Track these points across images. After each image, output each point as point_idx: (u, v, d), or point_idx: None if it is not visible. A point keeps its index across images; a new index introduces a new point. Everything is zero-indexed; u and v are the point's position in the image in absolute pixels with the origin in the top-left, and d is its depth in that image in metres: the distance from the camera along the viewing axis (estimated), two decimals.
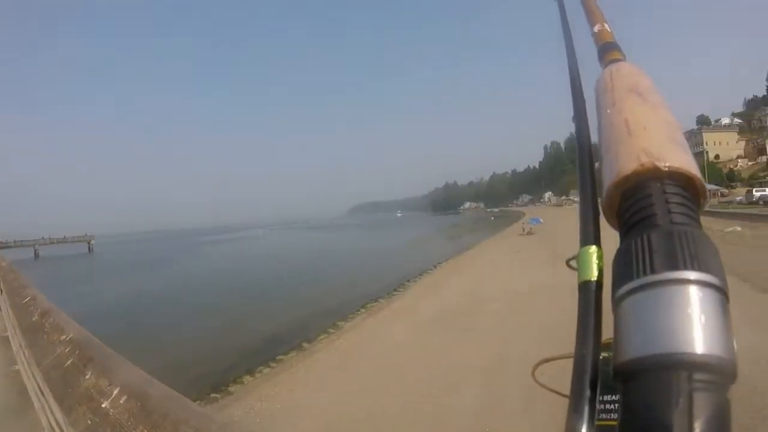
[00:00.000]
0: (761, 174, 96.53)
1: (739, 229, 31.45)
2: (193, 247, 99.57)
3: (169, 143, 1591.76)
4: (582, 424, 0.47)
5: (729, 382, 0.40)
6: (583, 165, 0.74)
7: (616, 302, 0.47)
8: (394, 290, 26.92)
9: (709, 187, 58.77)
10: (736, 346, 0.42)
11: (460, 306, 18.30)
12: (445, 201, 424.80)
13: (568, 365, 0.55)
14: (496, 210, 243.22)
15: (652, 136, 0.59)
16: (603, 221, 0.64)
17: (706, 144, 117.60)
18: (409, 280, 29.99)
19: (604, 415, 0.56)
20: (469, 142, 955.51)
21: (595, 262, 0.58)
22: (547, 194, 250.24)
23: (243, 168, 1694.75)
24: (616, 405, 0.47)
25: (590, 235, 0.63)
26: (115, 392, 2.25)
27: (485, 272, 27.09)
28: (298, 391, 11.75)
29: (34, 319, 4.87)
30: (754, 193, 66.55)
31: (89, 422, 2.25)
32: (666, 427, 0.37)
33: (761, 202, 61.56)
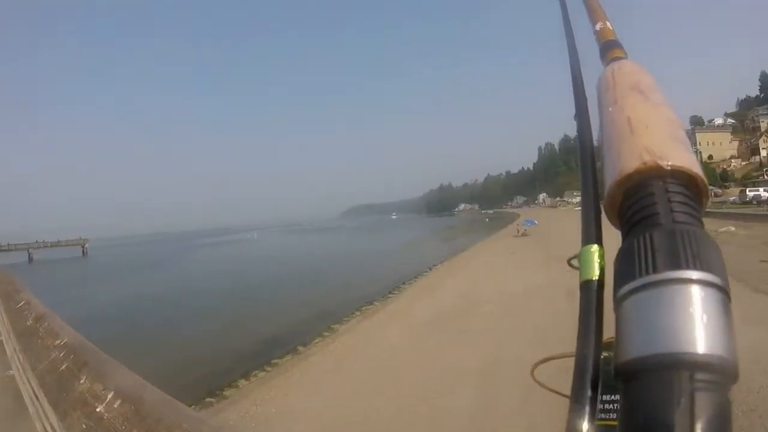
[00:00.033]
0: (754, 174, 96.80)
1: (732, 229, 31.54)
2: (187, 251, 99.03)
3: (166, 145, 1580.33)
4: (583, 424, 0.47)
5: (730, 382, 0.40)
6: (585, 163, 0.75)
7: (618, 301, 0.48)
8: (389, 293, 26.78)
9: None
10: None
11: (455, 308, 18.29)
12: (440, 203, 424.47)
13: (566, 365, 0.57)
14: (491, 211, 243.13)
15: (655, 135, 0.60)
16: (604, 220, 0.64)
17: (700, 144, 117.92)
18: (404, 283, 29.89)
19: (604, 415, 0.57)
20: (464, 143, 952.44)
21: (596, 261, 0.59)
22: (542, 195, 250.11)
23: (238, 169, 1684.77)
24: (617, 405, 0.47)
25: (592, 234, 0.63)
26: (110, 396, 2.26)
27: (480, 274, 27.10)
28: (294, 394, 11.73)
29: (28, 323, 4.87)
30: (747, 192, 66.87)
31: (84, 426, 2.26)
32: (667, 426, 0.37)
33: (755, 202, 61.73)
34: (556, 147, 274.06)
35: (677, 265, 0.44)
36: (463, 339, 13.73)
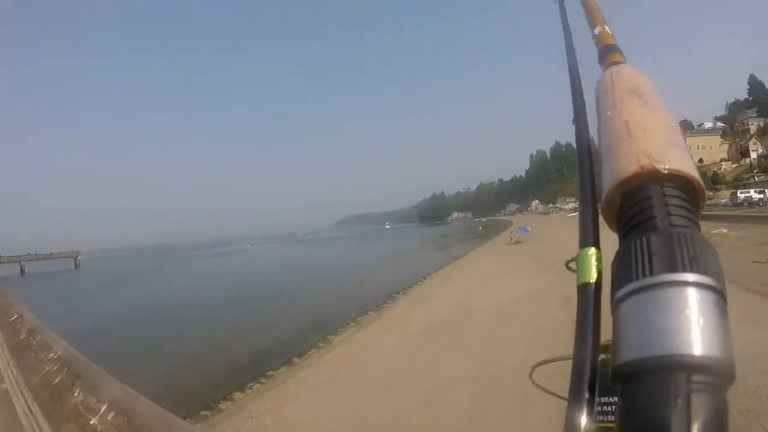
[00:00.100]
0: (745, 176, 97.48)
1: (725, 230, 31.70)
2: (180, 263, 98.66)
3: (158, 158, 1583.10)
4: (581, 426, 0.47)
5: (727, 384, 0.40)
6: (583, 167, 0.75)
7: (615, 304, 0.48)
8: (384, 302, 26.75)
9: None
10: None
11: (450, 316, 18.27)
12: (433, 212, 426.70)
13: (564, 367, 0.57)
14: (484, 219, 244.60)
15: (653, 139, 0.60)
16: (602, 223, 0.65)
17: (690, 148, 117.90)
18: (398, 292, 29.83)
19: (602, 417, 0.57)
20: (456, 152, 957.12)
21: (594, 263, 0.59)
22: (534, 202, 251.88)
23: (231, 181, 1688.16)
24: (615, 407, 0.47)
25: (589, 237, 0.64)
26: (103, 409, 2.26)
27: (474, 282, 27.05)
28: (289, 406, 11.67)
29: (21, 337, 4.84)
30: (738, 195, 67.59)
31: None
32: (664, 428, 0.37)
33: (746, 204, 62.43)
34: (548, 154, 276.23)
35: (674, 268, 0.45)
36: (458, 347, 13.73)
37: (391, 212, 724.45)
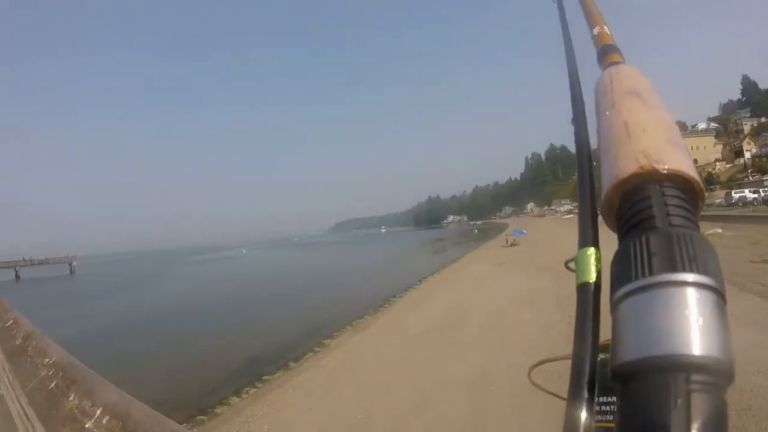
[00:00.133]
0: (739, 176, 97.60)
1: (719, 230, 31.67)
2: (176, 268, 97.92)
3: (153, 163, 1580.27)
4: (580, 426, 0.47)
5: (726, 384, 0.41)
6: (582, 167, 0.75)
7: (614, 304, 0.48)
8: (380, 306, 26.66)
9: None
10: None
11: (446, 319, 18.21)
12: (429, 215, 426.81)
13: (563, 367, 0.58)
14: (480, 222, 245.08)
15: (652, 139, 0.60)
16: (601, 223, 0.65)
17: None
18: (394, 296, 29.73)
19: (601, 417, 0.58)
20: (452, 155, 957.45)
21: (593, 263, 0.59)
22: (530, 205, 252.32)
23: (226, 186, 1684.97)
24: (614, 406, 0.48)
25: (589, 237, 0.63)
26: (98, 413, 2.27)
27: (470, 285, 26.97)
28: (286, 410, 11.62)
29: (17, 342, 4.85)
30: (732, 195, 67.79)
31: None
32: (664, 428, 0.37)
33: (740, 204, 62.62)
34: (543, 157, 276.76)
35: (673, 268, 0.45)
36: (454, 350, 13.69)
37: (386, 216, 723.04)
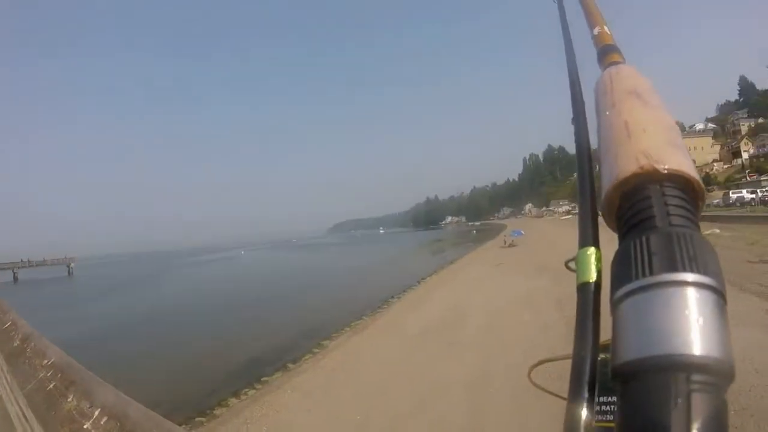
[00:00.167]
0: (737, 176, 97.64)
1: (717, 231, 31.66)
2: (174, 270, 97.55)
3: (152, 164, 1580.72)
4: (580, 426, 0.47)
5: (726, 384, 0.41)
6: (583, 167, 0.75)
7: (615, 304, 0.48)
8: (379, 307, 26.64)
9: None
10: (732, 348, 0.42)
11: (444, 320, 18.22)
12: (427, 216, 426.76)
13: (564, 367, 0.57)
14: (478, 223, 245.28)
15: (652, 139, 0.60)
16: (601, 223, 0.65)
17: None
18: (393, 297, 29.72)
19: (602, 417, 0.60)
20: (450, 156, 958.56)
21: (593, 263, 0.59)
22: (528, 206, 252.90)
23: (225, 187, 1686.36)
24: (615, 406, 0.47)
25: (589, 237, 0.64)
26: (96, 413, 2.27)
27: (468, 286, 27.00)
28: (285, 411, 11.61)
29: (15, 344, 4.84)
30: (730, 195, 67.66)
31: None
32: (664, 428, 0.37)
33: (738, 204, 62.65)
34: (541, 158, 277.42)
35: (673, 268, 0.45)
36: (453, 351, 13.70)
37: (385, 217, 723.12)
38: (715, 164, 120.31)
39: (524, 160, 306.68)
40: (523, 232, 63.60)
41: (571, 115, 0.85)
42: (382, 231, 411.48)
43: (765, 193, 62.86)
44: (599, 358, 0.53)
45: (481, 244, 73.43)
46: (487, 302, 20.36)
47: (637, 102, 0.68)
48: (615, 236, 0.59)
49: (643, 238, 0.49)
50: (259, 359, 18.00)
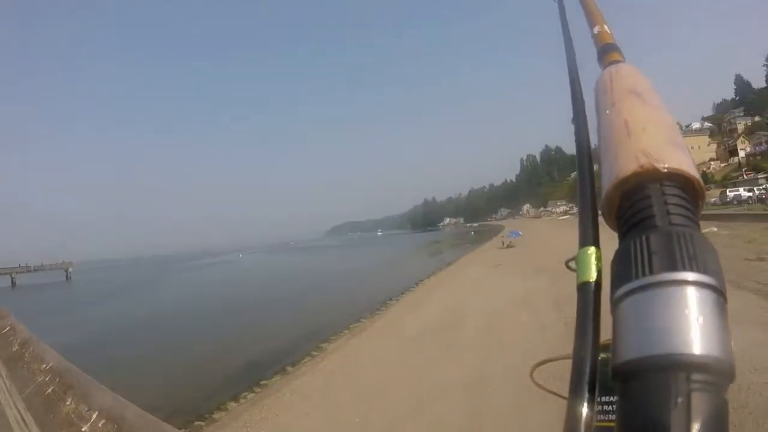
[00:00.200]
0: (734, 175, 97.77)
1: (715, 229, 31.63)
2: (172, 274, 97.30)
3: (149, 167, 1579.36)
4: (580, 425, 0.48)
5: (727, 383, 0.41)
6: (582, 166, 0.74)
7: (615, 303, 0.48)
8: (377, 310, 26.63)
9: None
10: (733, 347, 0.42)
11: (442, 322, 18.20)
12: (425, 218, 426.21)
13: (564, 367, 0.58)
14: (476, 224, 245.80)
15: (652, 138, 0.60)
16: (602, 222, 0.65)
17: None
18: (391, 299, 29.73)
19: (602, 416, 0.60)
20: (447, 157, 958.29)
21: (593, 263, 0.59)
22: (526, 206, 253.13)
23: (223, 190, 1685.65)
24: (615, 406, 0.48)
25: (589, 237, 0.63)
26: (94, 416, 2.28)
27: (466, 288, 26.99)
28: (284, 415, 11.60)
29: (14, 349, 4.85)
30: (727, 193, 68.14)
31: None
32: (664, 427, 0.37)
33: (735, 202, 63.08)
34: (538, 158, 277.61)
35: (673, 267, 0.45)
36: (451, 353, 13.69)
37: (383, 219, 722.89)
38: (711, 163, 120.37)
39: (521, 160, 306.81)
40: (521, 232, 63.53)
41: (571, 114, 0.85)
42: (380, 233, 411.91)
43: (762, 191, 62.97)
44: (600, 358, 0.53)
45: (479, 245, 73.40)
46: (485, 303, 20.34)
47: (637, 101, 0.68)
48: (615, 235, 0.59)
49: (643, 238, 0.50)
50: (257, 363, 18.01)
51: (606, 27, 0.94)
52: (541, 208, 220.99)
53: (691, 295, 0.43)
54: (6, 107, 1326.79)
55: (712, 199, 70.65)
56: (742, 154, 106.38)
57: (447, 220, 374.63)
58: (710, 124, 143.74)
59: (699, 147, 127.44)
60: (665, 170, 0.55)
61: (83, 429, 2.27)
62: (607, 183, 0.59)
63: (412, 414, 9.93)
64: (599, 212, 0.65)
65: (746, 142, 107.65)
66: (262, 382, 15.41)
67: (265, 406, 12.45)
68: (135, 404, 2.55)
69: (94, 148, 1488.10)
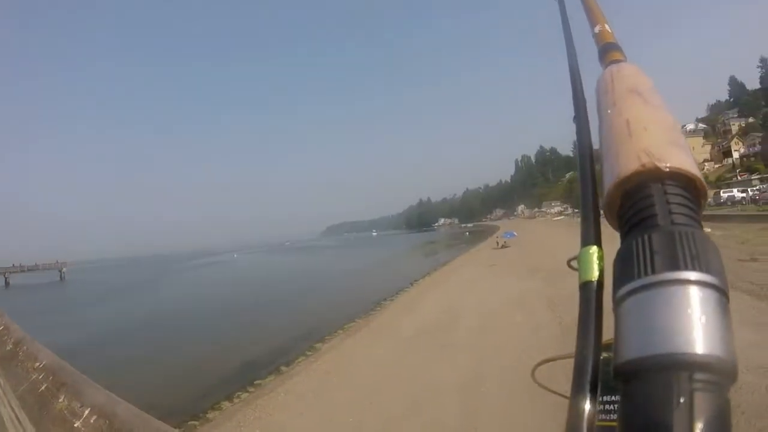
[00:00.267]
0: (728, 176, 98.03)
1: (709, 230, 31.27)
2: (166, 274, 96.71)
3: (144, 167, 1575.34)
4: (582, 425, 0.48)
5: (729, 383, 0.40)
6: (584, 166, 0.75)
7: (617, 302, 0.48)
8: (372, 310, 26.62)
9: None
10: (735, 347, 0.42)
11: (437, 322, 18.24)
12: (420, 218, 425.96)
13: (566, 366, 0.58)
14: (471, 225, 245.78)
15: (653, 137, 0.59)
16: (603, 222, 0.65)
17: None
18: (386, 299, 29.73)
19: (604, 416, 0.60)
20: (442, 158, 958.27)
21: (595, 262, 0.59)
22: (520, 207, 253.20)
23: (216, 191, 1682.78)
24: (617, 405, 0.46)
25: (591, 236, 0.64)
26: (86, 413, 2.30)
27: (461, 288, 27.01)
28: (278, 414, 11.61)
29: (8, 348, 4.85)
30: (721, 194, 67.93)
31: None
32: (666, 427, 0.37)
33: (729, 203, 63.16)
34: (533, 159, 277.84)
35: (676, 266, 0.45)
36: (446, 353, 13.71)
37: (378, 219, 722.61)
38: (706, 164, 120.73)
39: (516, 161, 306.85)
40: (515, 233, 63.65)
41: (572, 114, 0.86)
42: (374, 233, 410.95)
43: (755, 193, 63.22)
44: (602, 357, 0.53)
45: (473, 245, 73.52)
46: (479, 304, 20.37)
47: (638, 100, 0.68)
48: (617, 234, 0.58)
49: (645, 237, 0.49)
50: (251, 362, 17.99)
51: (607, 26, 0.94)
52: (536, 209, 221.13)
53: (694, 294, 0.43)
54: (6, 107, 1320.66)
55: None
56: (736, 155, 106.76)
57: (442, 221, 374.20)
58: (704, 125, 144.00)
59: (693, 148, 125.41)
60: (667, 169, 0.55)
61: (76, 425, 2.29)
62: (608, 182, 0.59)
63: (406, 414, 9.94)
64: (601, 211, 0.65)
65: (740, 143, 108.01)
66: (256, 382, 15.40)
67: (259, 406, 12.45)
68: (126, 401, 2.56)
69: (93, 148, 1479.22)
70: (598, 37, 0.92)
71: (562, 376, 0.59)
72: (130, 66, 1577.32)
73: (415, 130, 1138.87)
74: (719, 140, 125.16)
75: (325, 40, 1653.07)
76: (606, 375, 0.49)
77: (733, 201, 63.19)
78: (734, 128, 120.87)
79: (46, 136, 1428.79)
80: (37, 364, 3.65)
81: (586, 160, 0.75)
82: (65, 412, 2.50)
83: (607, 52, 0.86)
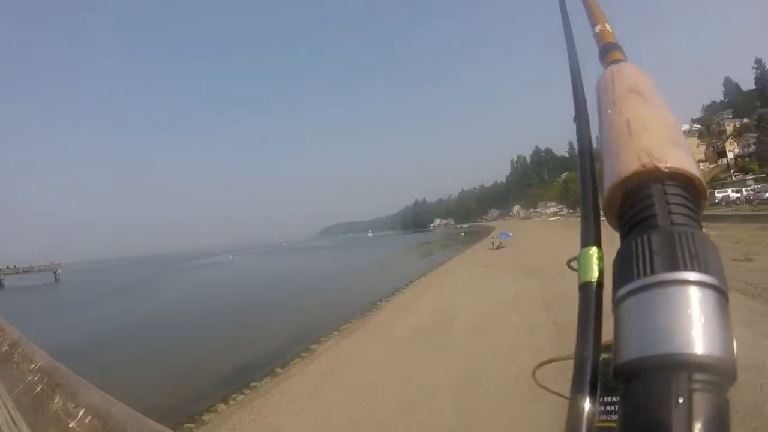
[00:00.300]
0: (722, 176, 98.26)
1: (704, 230, 31.97)
2: (162, 276, 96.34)
3: (141, 168, 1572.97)
4: (582, 425, 0.47)
5: (729, 383, 0.41)
6: (584, 165, 0.73)
7: (617, 303, 0.48)
8: (367, 311, 26.62)
9: None
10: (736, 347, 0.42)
11: (433, 323, 18.26)
12: (415, 219, 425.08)
13: (566, 367, 0.59)
14: (466, 225, 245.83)
15: (653, 137, 0.59)
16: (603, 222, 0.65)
17: None
18: (381, 300, 29.71)
19: (604, 417, 0.61)
20: (438, 159, 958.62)
21: (595, 263, 0.59)
22: (516, 207, 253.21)
23: (212, 191, 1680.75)
24: (617, 406, 0.46)
25: (591, 236, 0.63)
26: (81, 413, 2.31)
27: (456, 289, 27.05)
28: (273, 416, 11.60)
29: (3, 349, 4.85)
30: (716, 194, 68.07)
31: None
32: (666, 427, 0.37)
33: (723, 203, 63.32)
34: (528, 160, 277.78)
35: (675, 267, 0.45)
36: (441, 354, 13.72)
37: (373, 220, 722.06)
38: (700, 164, 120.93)
39: (512, 162, 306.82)
40: (511, 233, 63.59)
41: (572, 113, 0.84)
42: (370, 234, 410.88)
43: (750, 192, 63.45)
44: (601, 358, 0.53)
45: (469, 246, 73.69)
46: (475, 304, 20.39)
47: (638, 100, 0.68)
48: (617, 235, 0.59)
49: (645, 237, 0.50)
50: (247, 364, 17.98)
51: (608, 26, 0.95)
52: (531, 210, 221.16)
53: (693, 294, 0.43)
54: (6, 107, 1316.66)
55: None
56: (730, 155, 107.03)
57: (437, 222, 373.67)
58: (699, 126, 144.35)
59: None
60: (667, 170, 0.55)
61: (71, 425, 2.30)
62: (608, 182, 0.59)
63: (402, 415, 9.95)
64: (601, 212, 0.65)
65: (735, 143, 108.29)
66: (251, 384, 15.40)
67: (254, 408, 12.44)
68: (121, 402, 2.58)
69: (93, 148, 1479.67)
70: (598, 37, 0.93)
71: (563, 376, 0.60)
72: (130, 66, 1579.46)
73: (415, 130, 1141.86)
74: (714, 141, 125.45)
75: (325, 40, 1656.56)
76: (606, 375, 0.50)
77: (727, 201, 63.51)
78: (729, 129, 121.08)
79: (46, 136, 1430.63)
80: (33, 365, 3.65)
81: (587, 159, 0.74)
82: (60, 413, 2.51)
83: (608, 51, 0.87)
